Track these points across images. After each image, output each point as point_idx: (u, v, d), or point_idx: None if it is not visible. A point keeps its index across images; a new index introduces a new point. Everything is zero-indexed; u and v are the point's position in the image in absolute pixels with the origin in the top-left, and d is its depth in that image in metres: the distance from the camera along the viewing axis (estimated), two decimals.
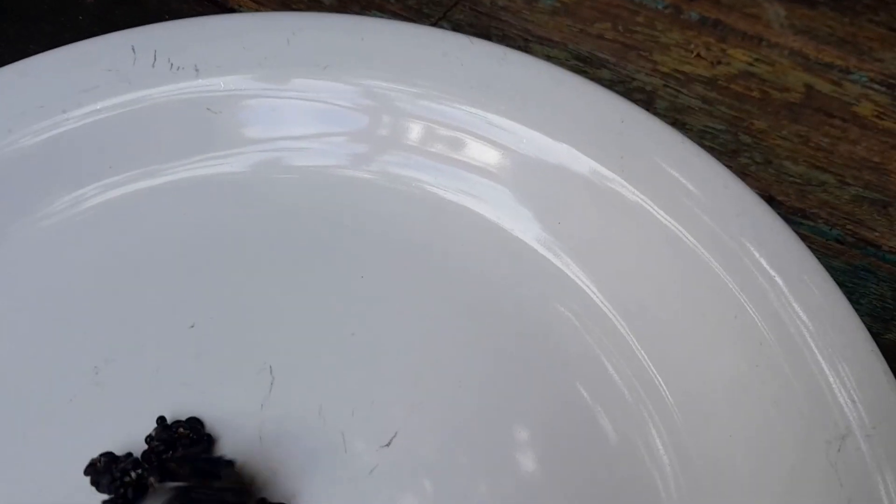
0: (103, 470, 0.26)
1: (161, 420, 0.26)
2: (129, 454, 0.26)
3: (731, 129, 0.34)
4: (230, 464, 0.26)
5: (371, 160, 0.32)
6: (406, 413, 0.28)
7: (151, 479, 0.25)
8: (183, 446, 0.26)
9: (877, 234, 0.32)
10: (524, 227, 0.30)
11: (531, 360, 0.29)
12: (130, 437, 0.27)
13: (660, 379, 0.28)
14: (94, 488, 0.25)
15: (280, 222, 0.31)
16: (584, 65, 0.35)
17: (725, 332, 0.27)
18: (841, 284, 0.26)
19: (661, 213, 0.28)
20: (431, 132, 0.31)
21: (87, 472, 0.26)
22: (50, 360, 0.28)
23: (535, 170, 0.30)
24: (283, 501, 0.26)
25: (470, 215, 0.31)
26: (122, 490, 0.25)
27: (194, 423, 0.27)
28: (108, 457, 0.26)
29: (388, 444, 0.27)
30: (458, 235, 0.31)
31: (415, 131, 0.31)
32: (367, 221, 0.31)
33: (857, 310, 0.25)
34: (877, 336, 0.27)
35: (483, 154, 0.31)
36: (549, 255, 0.30)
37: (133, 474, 0.25)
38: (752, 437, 0.26)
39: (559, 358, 0.28)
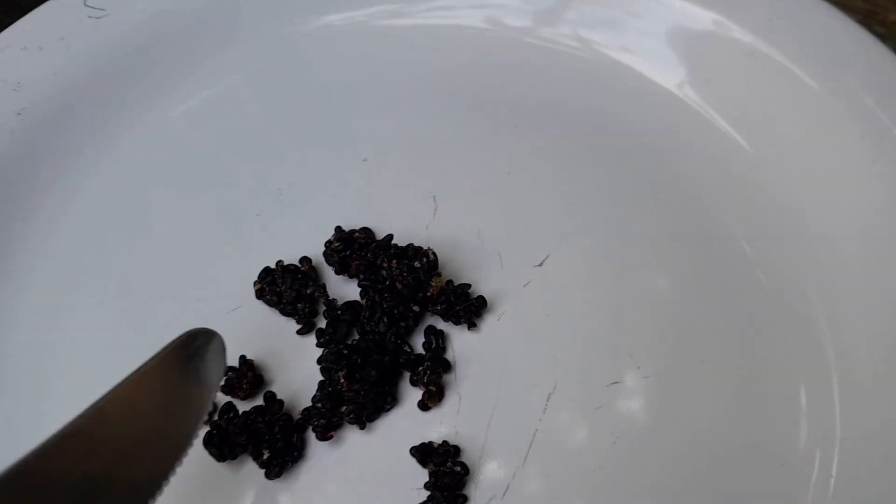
0: (280, 274, 0.29)
1: (339, 228, 0.29)
2: (308, 259, 0.29)
3: (865, 20, 0.35)
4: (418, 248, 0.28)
5: (535, 26, 0.35)
6: (557, 240, 0.29)
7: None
8: (359, 247, 0.29)
9: None
10: (671, 78, 0.33)
11: (668, 195, 0.30)
12: (309, 246, 0.30)
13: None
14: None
15: (446, 75, 0.34)
16: None
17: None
18: None
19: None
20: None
21: (261, 277, 0.29)
22: (241, 179, 0.32)
23: (687, 30, 0.33)
24: (466, 283, 0.28)
25: (618, 68, 0.33)
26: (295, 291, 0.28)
27: (367, 231, 0.29)
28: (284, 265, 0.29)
29: (540, 265, 0.29)
30: (604, 87, 0.33)
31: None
32: (522, 77, 0.34)
33: None
34: None
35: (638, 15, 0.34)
36: (692, 104, 0.32)
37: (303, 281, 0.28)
38: None
39: (694, 189, 0.30)
